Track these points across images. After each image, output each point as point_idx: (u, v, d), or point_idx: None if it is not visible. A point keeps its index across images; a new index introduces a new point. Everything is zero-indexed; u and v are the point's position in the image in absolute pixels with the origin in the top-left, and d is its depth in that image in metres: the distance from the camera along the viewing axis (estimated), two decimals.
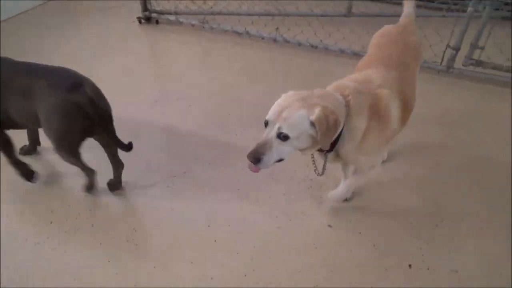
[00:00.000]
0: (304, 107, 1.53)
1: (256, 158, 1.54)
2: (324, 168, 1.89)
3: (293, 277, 1.94)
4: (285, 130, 1.52)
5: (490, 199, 2.36)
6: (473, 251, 2.07)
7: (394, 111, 1.77)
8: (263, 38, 4.05)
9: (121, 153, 2.21)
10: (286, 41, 3.97)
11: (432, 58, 3.55)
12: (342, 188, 2.19)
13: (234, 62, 3.73)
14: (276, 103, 1.60)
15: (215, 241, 2.09)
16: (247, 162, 1.59)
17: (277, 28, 4.01)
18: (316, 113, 1.51)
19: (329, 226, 2.16)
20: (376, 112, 1.69)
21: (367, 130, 1.68)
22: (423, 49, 2.11)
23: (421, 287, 1.90)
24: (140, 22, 4.45)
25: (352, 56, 3.74)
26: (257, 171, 1.62)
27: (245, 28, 4.09)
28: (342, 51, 3.79)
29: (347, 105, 1.63)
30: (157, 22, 4.47)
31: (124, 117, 2.37)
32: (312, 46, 3.89)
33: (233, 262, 2.00)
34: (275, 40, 4.01)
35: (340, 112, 1.60)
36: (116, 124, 2.08)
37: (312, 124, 1.52)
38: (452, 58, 3.47)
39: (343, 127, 1.65)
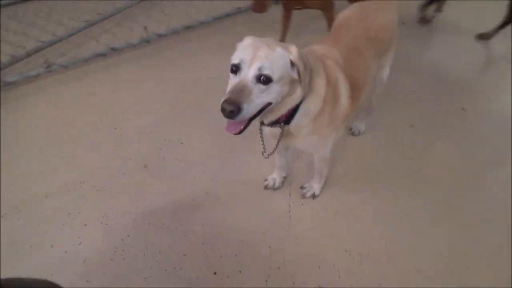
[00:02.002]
0: (280, 46, 1.33)
1: (235, 108, 1.20)
2: (277, 145, 1.61)
3: None
4: (267, 71, 1.25)
5: None
6: None
7: (342, 83, 1.63)
8: (134, 46, 3.30)
9: None
10: (161, 36, 3.40)
11: None
12: (315, 186, 2.11)
13: (125, 90, 2.89)
14: (244, 44, 1.33)
15: None
16: (225, 124, 1.31)
17: (145, 27, 3.32)
18: (294, 51, 1.33)
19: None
20: (329, 79, 1.53)
21: (323, 101, 1.52)
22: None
23: None
24: None
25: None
26: (237, 130, 1.30)
27: (108, 46, 3.19)
28: (219, 19, 3.63)
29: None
30: None
31: None
32: (187, 28, 3.51)
33: None
34: (148, 42, 3.36)
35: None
36: None
37: (292, 64, 1.33)
38: None
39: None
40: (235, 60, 1.28)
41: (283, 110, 1.43)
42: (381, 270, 1.80)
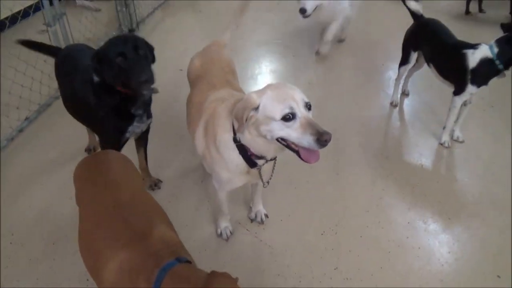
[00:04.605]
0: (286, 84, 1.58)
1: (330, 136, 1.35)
2: (272, 173, 1.84)
3: None
4: (306, 99, 1.44)
5: None
6: None
7: None
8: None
9: None
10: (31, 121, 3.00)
11: None
12: (260, 207, 2.28)
13: None
14: (272, 95, 1.43)
15: None
16: (309, 156, 1.42)
17: None
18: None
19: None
20: None
21: None
22: None
23: None
24: None
25: None
26: (318, 156, 1.44)
27: None
28: None
29: None
30: None
31: None
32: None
33: None
34: (21, 131, 2.93)
35: None
36: None
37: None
38: None
39: None
40: (285, 110, 1.35)
41: None
42: (350, 236, 2.24)
